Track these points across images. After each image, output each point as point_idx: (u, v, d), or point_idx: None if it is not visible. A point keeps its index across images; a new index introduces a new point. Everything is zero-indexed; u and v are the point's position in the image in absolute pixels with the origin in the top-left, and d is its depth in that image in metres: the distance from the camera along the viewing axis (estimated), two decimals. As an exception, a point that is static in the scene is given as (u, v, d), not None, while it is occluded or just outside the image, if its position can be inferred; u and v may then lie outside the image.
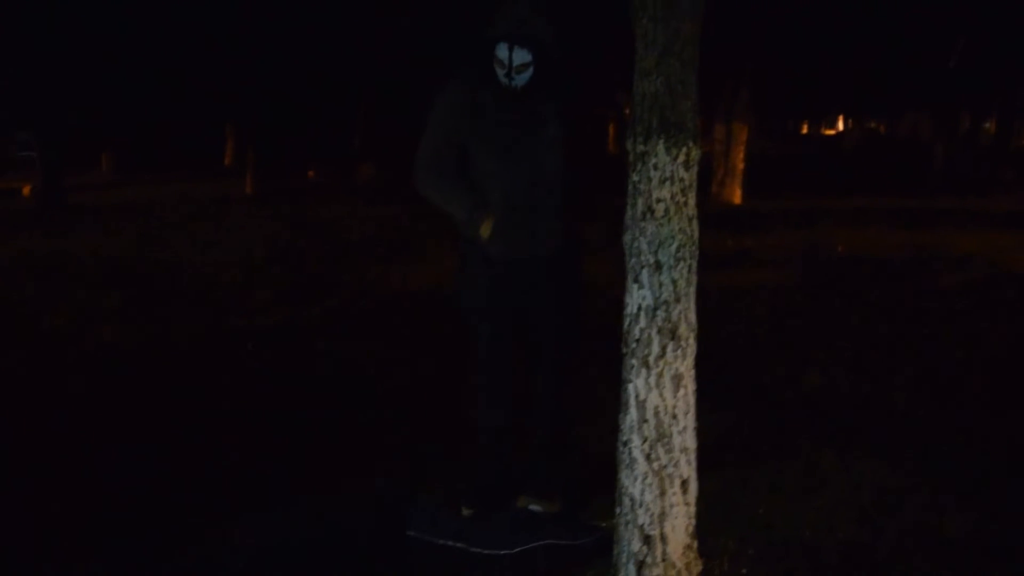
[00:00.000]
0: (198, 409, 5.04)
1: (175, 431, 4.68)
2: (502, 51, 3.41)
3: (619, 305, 3.08)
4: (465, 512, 3.65)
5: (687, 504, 3.01)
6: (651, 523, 2.99)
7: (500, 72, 3.42)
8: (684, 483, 3.00)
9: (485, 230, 3.47)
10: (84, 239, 12.42)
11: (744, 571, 3.21)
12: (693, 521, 3.04)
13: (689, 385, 2.99)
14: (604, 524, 3.43)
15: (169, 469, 4.19)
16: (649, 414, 2.97)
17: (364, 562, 3.32)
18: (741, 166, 17.30)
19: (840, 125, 50.98)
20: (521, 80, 3.43)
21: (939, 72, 20.31)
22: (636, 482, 2.99)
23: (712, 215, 13.15)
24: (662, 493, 2.98)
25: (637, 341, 2.97)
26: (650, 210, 2.92)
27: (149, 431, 4.68)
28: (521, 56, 3.40)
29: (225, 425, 4.77)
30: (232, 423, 4.81)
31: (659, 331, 2.94)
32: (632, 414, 2.99)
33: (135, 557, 3.38)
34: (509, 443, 3.70)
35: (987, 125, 38.51)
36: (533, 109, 3.48)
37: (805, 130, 52.64)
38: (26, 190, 20.27)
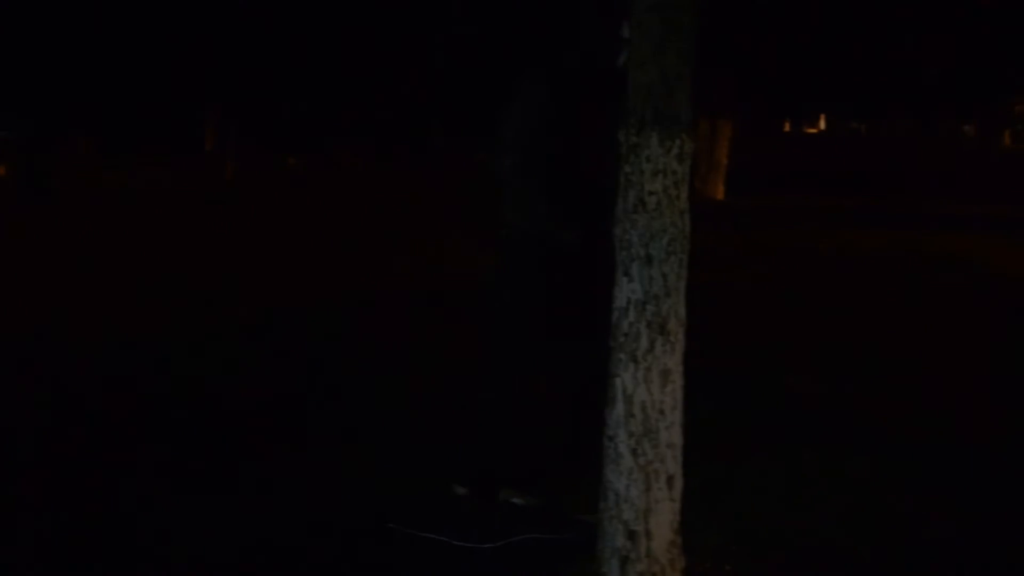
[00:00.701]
0: (174, 404, 4.99)
1: (155, 428, 4.63)
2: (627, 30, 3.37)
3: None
4: (459, 491, 3.62)
5: (672, 500, 2.99)
6: (636, 518, 2.96)
7: (622, 56, 3.37)
8: (670, 479, 2.97)
9: (568, 235, 3.54)
10: (63, 228, 12.29)
11: (728, 568, 3.19)
12: (678, 517, 3.01)
13: (677, 380, 2.96)
14: (588, 518, 3.41)
15: (150, 466, 4.14)
16: (636, 409, 2.94)
17: (344, 554, 3.28)
18: (724, 162, 17.32)
19: (822, 124, 51.11)
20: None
21: (922, 76, 20.39)
22: (621, 477, 2.96)
23: (695, 211, 13.16)
24: (647, 489, 2.95)
25: (625, 335, 2.94)
26: (642, 203, 2.89)
27: (129, 428, 4.63)
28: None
29: (206, 418, 4.72)
30: (213, 414, 4.75)
31: (648, 325, 2.91)
32: (619, 408, 2.96)
33: (121, 552, 3.32)
34: (517, 433, 3.67)
35: (967, 128, 38.75)
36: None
37: (787, 128, 52.80)
38: (1, 170, 20.03)
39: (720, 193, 17.05)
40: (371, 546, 3.33)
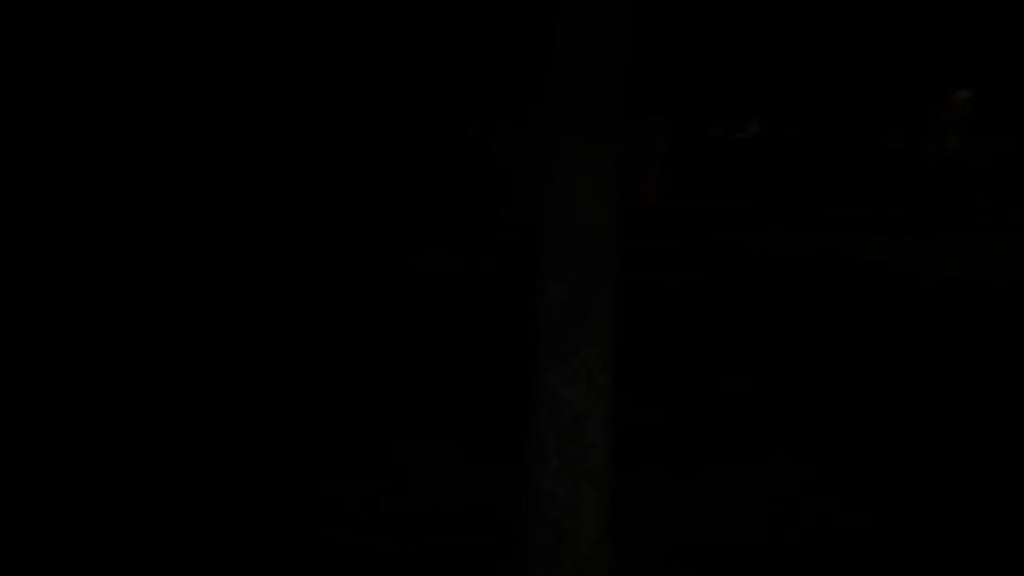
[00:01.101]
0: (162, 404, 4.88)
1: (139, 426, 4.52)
2: None
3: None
4: None
5: (599, 499, 2.99)
6: (563, 518, 2.96)
7: None
8: (596, 478, 2.98)
9: None
10: None
11: (655, 567, 3.21)
12: (605, 516, 3.02)
13: (604, 380, 2.97)
14: (515, 518, 3.40)
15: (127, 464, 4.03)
16: (562, 408, 2.94)
17: (265, 557, 3.23)
18: (658, 164, 17.47)
19: (754, 128, 51.87)
20: None
21: (849, 81, 20.76)
22: (548, 476, 2.95)
23: (629, 213, 13.27)
24: (574, 488, 2.95)
25: (552, 334, 2.93)
26: (569, 203, 2.89)
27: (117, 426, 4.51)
28: None
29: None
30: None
31: (574, 325, 2.91)
32: (545, 408, 2.95)
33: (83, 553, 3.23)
34: None
35: (896, 134, 39.59)
36: None
37: (719, 132, 53.58)
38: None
39: (654, 196, 17.19)
40: (293, 548, 3.28)
